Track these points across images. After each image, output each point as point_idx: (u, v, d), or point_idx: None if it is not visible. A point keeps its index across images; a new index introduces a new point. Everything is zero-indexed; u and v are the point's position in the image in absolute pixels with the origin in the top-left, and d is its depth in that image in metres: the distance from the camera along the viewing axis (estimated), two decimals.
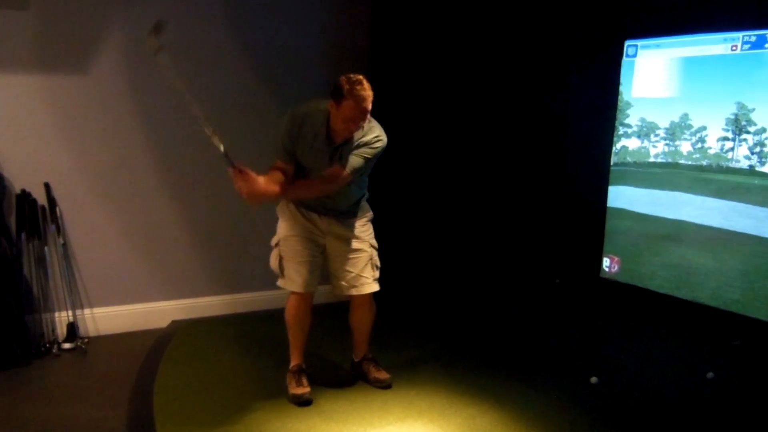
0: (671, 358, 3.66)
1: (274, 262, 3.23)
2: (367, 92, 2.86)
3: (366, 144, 3.03)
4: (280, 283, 3.22)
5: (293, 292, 3.19)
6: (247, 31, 4.23)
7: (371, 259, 3.24)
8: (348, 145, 3.02)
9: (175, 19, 4.00)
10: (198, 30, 4.09)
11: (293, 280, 3.16)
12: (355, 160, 3.02)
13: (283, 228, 3.21)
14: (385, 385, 3.30)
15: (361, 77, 2.87)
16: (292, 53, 4.38)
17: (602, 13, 4.07)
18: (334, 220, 3.18)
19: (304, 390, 3.14)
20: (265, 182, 2.89)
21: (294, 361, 3.25)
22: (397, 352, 3.73)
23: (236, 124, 4.27)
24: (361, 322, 3.36)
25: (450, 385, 3.34)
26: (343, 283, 3.25)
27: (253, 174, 2.84)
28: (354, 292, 3.25)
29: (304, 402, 3.11)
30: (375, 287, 3.26)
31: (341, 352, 3.56)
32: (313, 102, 3.05)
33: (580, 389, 3.29)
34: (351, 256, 3.21)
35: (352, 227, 3.22)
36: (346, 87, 2.83)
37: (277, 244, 3.22)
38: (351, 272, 3.22)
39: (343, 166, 3.00)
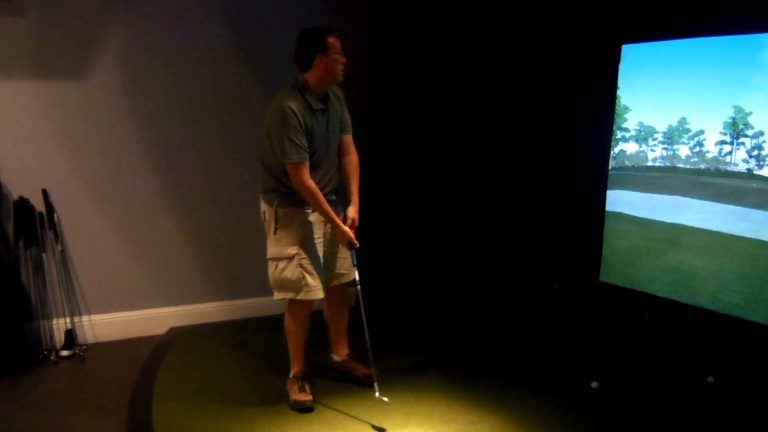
0: (671, 362, 3.65)
1: (290, 276, 3.01)
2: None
3: (338, 98, 3.19)
4: (300, 296, 3.03)
5: (305, 300, 3.08)
6: (241, 31, 4.23)
7: None
8: (330, 108, 3.09)
9: (171, 19, 4.03)
10: (192, 32, 4.09)
11: (316, 288, 3.06)
12: (346, 118, 3.21)
13: (294, 237, 3.03)
14: (373, 380, 3.13)
15: (307, 28, 3.07)
16: (287, 54, 4.36)
17: (599, 16, 4.07)
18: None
19: (307, 397, 3.13)
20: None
21: (297, 368, 3.22)
22: (397, 358, 3.71)
23: (230, 123, 4.28)
24: (341, 311, 3.36)
25: (450, 392, 3.33)
26: (336, 271, 3.24)
27: (343, 226, 3.07)
28: (344, 279, 3.28)
29: (305, 409, 3.10)
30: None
31: None
32: (279, 97, 3.00)
33: (581, 394, 3.28)
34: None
35: (338, 210, 3.20)
36: (322, 33, 2.99)
37: (292, 258, 3.02)
38: (344, 258, 3.23)
39: (347, 132, 3.20)
